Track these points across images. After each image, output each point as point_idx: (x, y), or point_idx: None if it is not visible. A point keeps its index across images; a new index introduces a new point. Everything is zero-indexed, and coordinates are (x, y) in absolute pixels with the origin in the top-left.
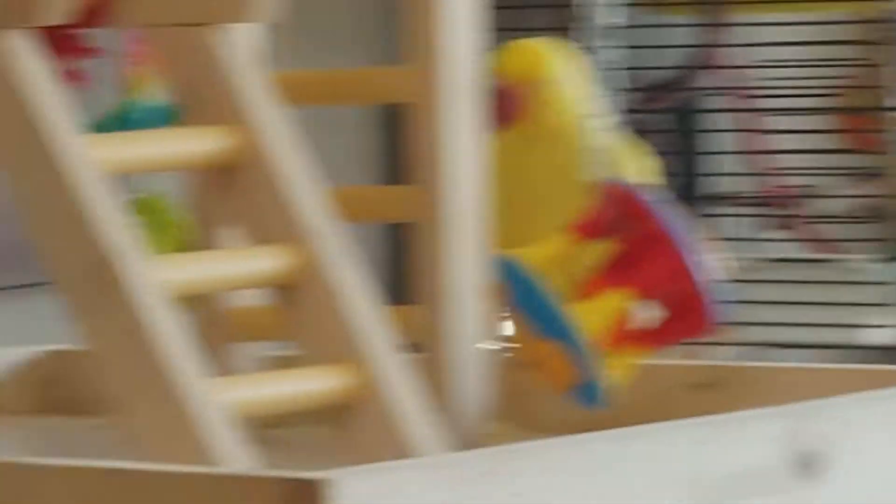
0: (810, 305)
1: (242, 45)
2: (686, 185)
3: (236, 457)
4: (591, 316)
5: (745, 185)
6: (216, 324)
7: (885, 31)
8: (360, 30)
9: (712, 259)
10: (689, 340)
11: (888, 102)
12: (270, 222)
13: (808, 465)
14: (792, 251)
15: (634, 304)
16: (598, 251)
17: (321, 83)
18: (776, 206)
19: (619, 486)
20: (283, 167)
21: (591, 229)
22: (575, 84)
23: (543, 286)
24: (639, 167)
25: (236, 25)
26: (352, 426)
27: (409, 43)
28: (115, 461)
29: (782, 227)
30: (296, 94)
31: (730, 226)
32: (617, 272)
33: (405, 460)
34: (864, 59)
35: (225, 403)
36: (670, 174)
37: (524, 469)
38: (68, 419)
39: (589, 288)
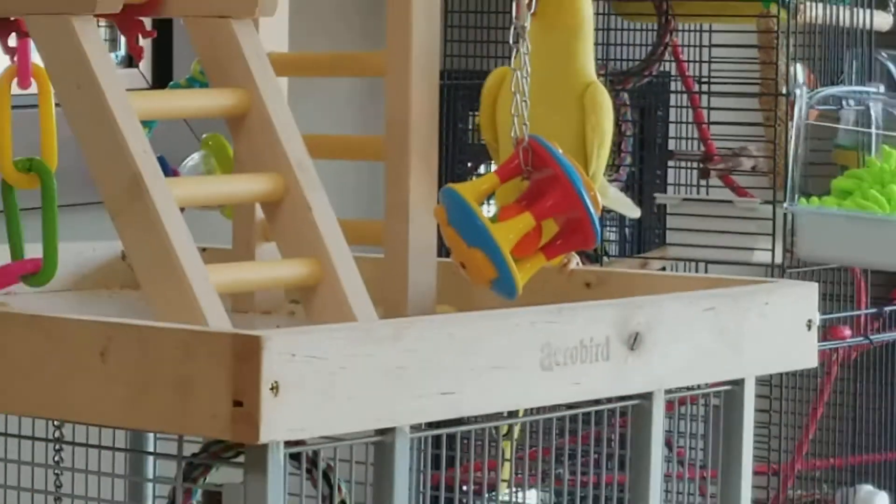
0: (721, 234)
1: (251, 31)
2: (645, 142)
3: (220, 320)
4: (507, 232)
5: (689, 146)
6: (247, 226)
7: (771, 36)
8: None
9: (593, 195)
10: (580, 252)
11: (781, 90)
12: (261, 157)
13: (631, 340)
14: (715, 194)
15: (538, 225)
16: (513, 186)
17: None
18: (710, 162)
19: (491, 350)
20: (273, 117)
21: (512, 170)
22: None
23: (473, 209)
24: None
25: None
26: (312, 303)
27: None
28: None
29: (709, 176)
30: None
31: (677, 175)
32: (527, 201)
33: (322, 325)
34: (766, 58)
35: (217, 282)
36: (634, 135)
37: (421, 336)
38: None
39: (507, 212)
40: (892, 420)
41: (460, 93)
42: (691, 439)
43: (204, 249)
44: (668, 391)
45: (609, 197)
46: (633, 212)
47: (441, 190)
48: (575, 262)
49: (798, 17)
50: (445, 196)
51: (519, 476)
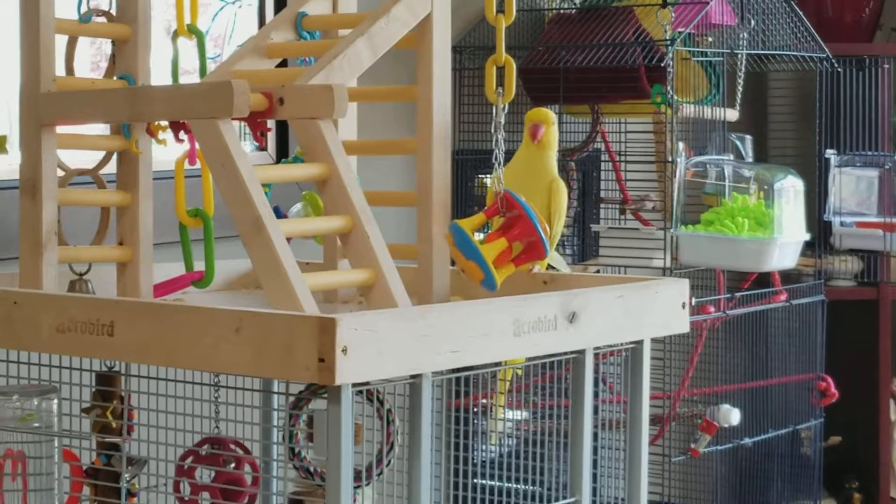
0: (633, 249)
1: (331, 127)
2: (586, 192)
3: (311, 308)
4: (490, 250)
5: (612, 195)
6: (332, 249)
7: (662, 125)
8: None
9: (544, 227)
10: (537, 261)
11: (669, 158)
12: (338, 205)
13: (570, 317)
14: (629, 224)
15: (510, 245)
16: (496, 221)
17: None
18: (625, 204)
19: (482, 323)
20: (345, 181)
21: (493, 211)
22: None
23: (469, 236)
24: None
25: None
26: (371, 296)
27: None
28: (246, 307)
29: (625, 213)
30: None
31: (606, 212)
32: (503, 230)
33: (375, 310)
34: (659, 139)
35: (311, 284)
36: (578, 188)
37: (439, 316)
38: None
39: (490, 237)
40: (742, 363)
41: (468, 163)
42: (612, 376)
43: (307, 263)
44: (596, 348)
45: (553, 258)
46: (565, 269)
47: (450, 224)
48: (537, 268)
49: (678, 112)
50: (452, 228)
51: (509, 402)
